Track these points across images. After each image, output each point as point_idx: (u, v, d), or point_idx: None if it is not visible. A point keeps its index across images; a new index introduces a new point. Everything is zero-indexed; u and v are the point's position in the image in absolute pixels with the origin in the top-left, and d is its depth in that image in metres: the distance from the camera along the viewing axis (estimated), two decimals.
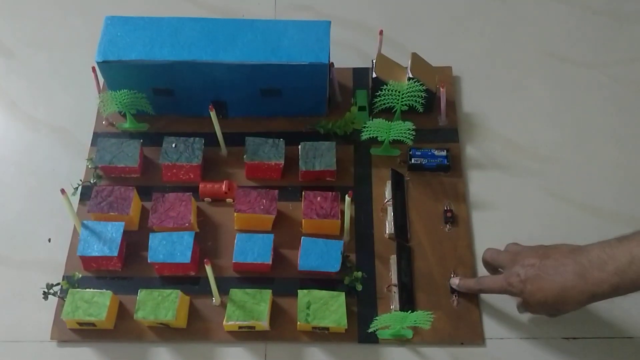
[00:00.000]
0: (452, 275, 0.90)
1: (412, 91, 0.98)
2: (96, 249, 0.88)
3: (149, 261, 0.88)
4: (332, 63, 0.99)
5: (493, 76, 1.10)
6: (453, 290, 0.89)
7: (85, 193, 0.96)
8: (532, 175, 1.00)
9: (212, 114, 0.92)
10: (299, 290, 0.86)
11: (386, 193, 0.97)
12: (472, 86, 1.09)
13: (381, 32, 1.00)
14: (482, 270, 0.91)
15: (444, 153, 0.99)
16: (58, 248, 0.93)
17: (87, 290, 0.86)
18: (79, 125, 1.04)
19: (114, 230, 0.89)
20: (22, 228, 0.96)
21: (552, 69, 1.11)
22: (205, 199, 0.96)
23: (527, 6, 1.18)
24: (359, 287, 0.88)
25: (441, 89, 0.99)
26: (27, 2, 1.20)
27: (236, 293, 0.85)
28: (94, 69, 0.97)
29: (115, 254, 0.87)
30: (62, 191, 0.83)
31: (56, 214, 0.94)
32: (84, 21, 1.16)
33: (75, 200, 0.96)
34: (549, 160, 1.01)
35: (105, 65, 0.94)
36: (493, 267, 0.88)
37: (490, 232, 0.95)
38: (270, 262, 0.88)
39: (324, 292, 0.86)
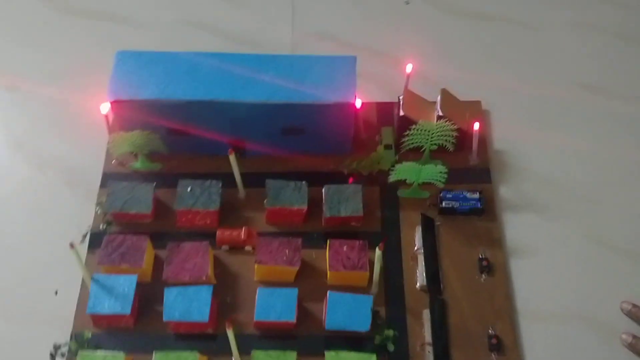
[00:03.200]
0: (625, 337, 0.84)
1: (443, 131, 0.92)
2: (107, 306, 0.81)
3: (164, 320, 0.81)
4: (358, 100, 0.92)
5: (525, 109, 1.04)
6: (492, 348, 0.83)
7: (95, 240, 0.90)
8: (572, 218, 0.93)
9: (232, 157, 0.86)
10: (326, 352, 0.80)
11: (416, 240, 0.91)
12: (503, 121, 1.03)
13: (409, 68, 0.94)
14: (522, 325, 0.85)
15: (476, 195, 0.93)
16: (66, 301, 0.86)
17: (98, 352, 0.79)
18: (87, 164, 0.97)
19: (126, 285, 0.83)
20: (27, 278, 0.89)
21: (588, 101, 1.04)
22: (223, 246, 0.90)
23: (559, 35, 1.12)
24: (391, 347, 0.82)
25: (474, 130, 0.93)
26: (33, 31, 1.14)
27: (258, 355, 0.79)
28: (103, 107, 0.91)
29: (128, 311, 0.81)
30: (71, 245, 0.77)
31: (63, 262, 0.87)
32: (94, 52, 1.09)
33: (84, 247, 0.90)
34: (589, 202, 0.95)
35: (117, 105, 0.88)
36: None
37: (529, 281, 0.88)
38: (294, 321, 0.82)
39: (353, 354, 0.79)
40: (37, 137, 1.01)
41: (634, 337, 0.83)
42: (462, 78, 1.06)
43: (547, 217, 0.94)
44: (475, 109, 1.02)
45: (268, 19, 1.14)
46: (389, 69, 1.07)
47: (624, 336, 0.84)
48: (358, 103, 0.90)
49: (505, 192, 0.96)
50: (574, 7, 1.15)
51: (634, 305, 0.85)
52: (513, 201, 0.95)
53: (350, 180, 0.95)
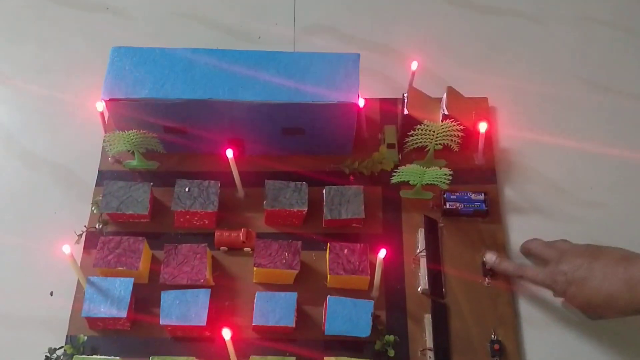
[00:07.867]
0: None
1: (448, 130, 0.89)
2: (103, 310, 0.80)
3: (161, 323, 0.80)
4: (361, 100, 0.90)
5: (532, 106, 1.01)
6: (494, 354, 0.81)
7: (91, 240, 0.89)
8: (577, 222, 0.91)
9: (231, 158, 0.84)
10: (325, 358, 0.78)
11: (418, 243, 0.89)
12: (509, 119, 1.00)
13: (415, 66, 0.91)
14: (525, 331, 0.84)
15: (481, 197, 0.91)
16: (61, 303, 0.85)
17: (94, 357, 0.78)
18: (82, 162, 0.95)
19: (122, 288, 0.81)
20: (21, 280, 0.87)
21: (596, 99, 1.02)
22: (222, 248, 0.88)
23: (567, 29, 1.09)
24: (391, 353, 0.80)
25: (481, 131, 0.90)
26: (26, 24, 1.10)
27: None
28: (99, 105, 0.88)
29: (124, 315, 0.80)
30: (65, 251, 0.76)
31: (58, 263, 0.85)
32: (89, 46, 1.07)
33: (80, 248, 0.88)
34: (594, 206, 0.93)
35: (112, 104, 0.85)
36: (533, 257, 0.87)
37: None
38: (293, 325, 0.80)
39: None
40: (30, 134, 0.99)
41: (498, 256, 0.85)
42: (467, 73, 1.04)
43: (551, 220, 0.92)
44: (481, 107, 0.99)
45: (269, 11, 1.11)
46: (392, 64, 1.05)
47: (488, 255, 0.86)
48: (361, 102, 0.88)
49: (510, 193, 0.94)
50: (582, 0, 1.11)
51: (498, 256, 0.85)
52: (518, 203, 0.93)
53: (351, 178, 0.93)
